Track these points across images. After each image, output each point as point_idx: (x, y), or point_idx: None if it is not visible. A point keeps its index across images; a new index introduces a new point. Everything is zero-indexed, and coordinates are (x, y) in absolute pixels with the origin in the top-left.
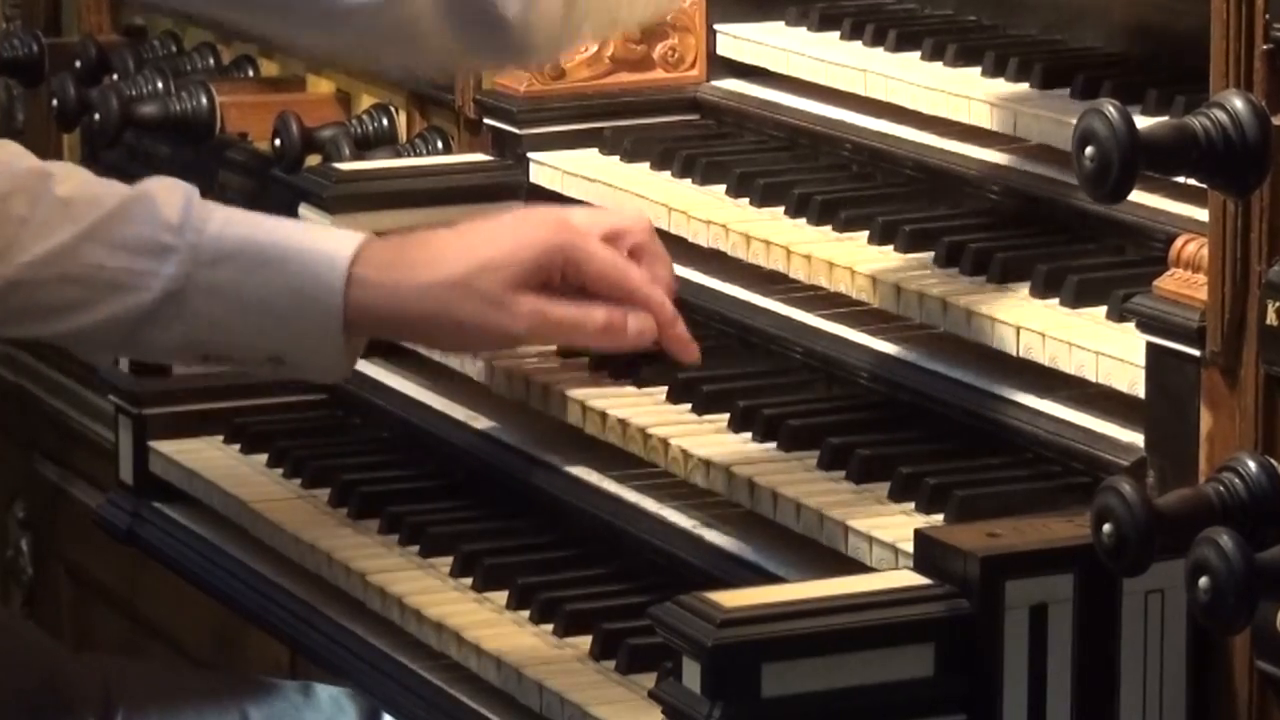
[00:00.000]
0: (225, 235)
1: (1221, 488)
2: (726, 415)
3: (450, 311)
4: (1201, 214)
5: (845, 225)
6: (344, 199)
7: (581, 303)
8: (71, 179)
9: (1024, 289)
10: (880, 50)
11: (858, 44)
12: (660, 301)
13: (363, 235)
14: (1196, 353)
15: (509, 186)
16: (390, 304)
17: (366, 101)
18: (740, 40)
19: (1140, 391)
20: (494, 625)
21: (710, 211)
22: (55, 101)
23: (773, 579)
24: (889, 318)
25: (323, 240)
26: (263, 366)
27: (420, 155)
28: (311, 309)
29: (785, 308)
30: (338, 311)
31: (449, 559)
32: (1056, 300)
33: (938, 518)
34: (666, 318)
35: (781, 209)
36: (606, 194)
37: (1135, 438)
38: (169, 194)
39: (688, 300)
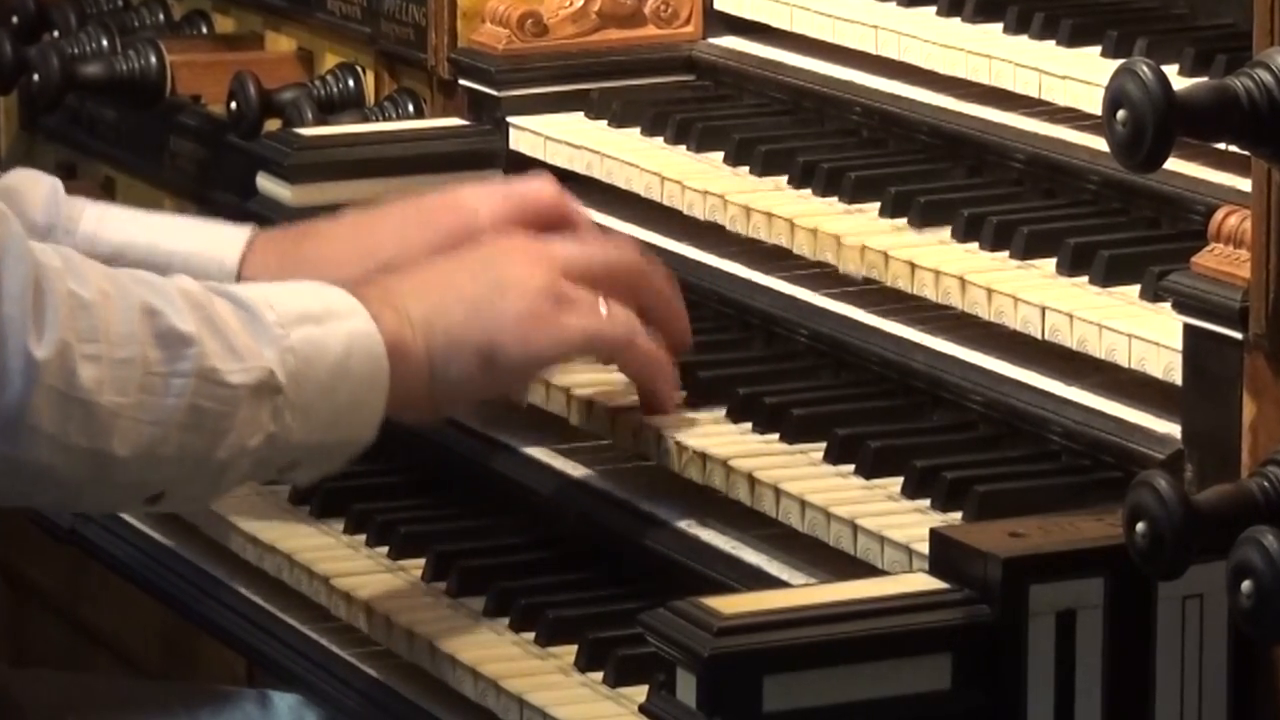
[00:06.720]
0: (100, 237)
1: (1266, 483)
2: (725, 404)
3: None
4: (1244, 183)
5: (854, 196)
6: (306, 167)
7: None
8: None
9: (1050, 265)
10: (893, 4)
11: None
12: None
13: (248, 232)
14: (1238, 335)
15: (486, 153)
16: None
17: (331, 61)
18: None
19: (1177, 378)
20: (470, 633)
21: (707, 181)
22: None
23: (775, 583)
24: (902, 297)
25: (207, 240)
26: None
27: (390, 119)
28: None
29: (789, 286)
30: None
31: (421, 561)
32: (1085, 278)
33: (955, 516)
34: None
35: (785, 178)
36: (593, 161)
37: (1171, 428)
38: (32, 189)
39: (682, 278)
